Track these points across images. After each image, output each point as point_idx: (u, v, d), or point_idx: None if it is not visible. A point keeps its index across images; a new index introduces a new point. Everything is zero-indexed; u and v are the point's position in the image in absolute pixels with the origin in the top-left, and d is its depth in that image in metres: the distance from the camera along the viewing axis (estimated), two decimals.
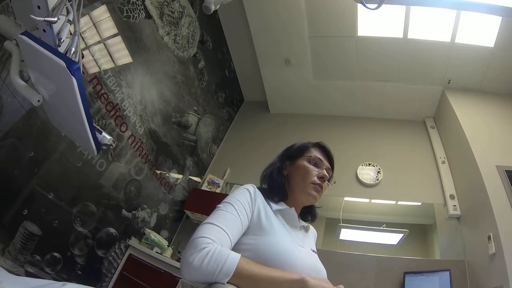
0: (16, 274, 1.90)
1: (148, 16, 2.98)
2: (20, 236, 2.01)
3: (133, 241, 2.93)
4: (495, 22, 3.16)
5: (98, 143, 1.36)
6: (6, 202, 1.94)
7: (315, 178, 1.16)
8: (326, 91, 4.32)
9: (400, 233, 3.22)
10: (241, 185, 1.11)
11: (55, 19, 1.04)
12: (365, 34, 3.64)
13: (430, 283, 2.62)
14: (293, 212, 1.13)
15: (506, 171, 2.75)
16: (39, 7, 1.03)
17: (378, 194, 3.56)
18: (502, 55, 3.36)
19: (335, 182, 1.27)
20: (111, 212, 2.72)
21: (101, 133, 1.43)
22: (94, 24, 2.43)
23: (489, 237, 2.46)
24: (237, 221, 0.95)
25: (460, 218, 3.07)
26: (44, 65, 1.08)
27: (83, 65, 2.29)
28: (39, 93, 1.22)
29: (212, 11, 1.78)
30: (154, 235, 3.04)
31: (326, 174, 1.18)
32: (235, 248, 0.92)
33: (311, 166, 1.18)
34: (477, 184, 2.81)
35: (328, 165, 1.24)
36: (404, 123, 4.15)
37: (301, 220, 1.20)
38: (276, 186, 1.19)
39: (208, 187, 3.87)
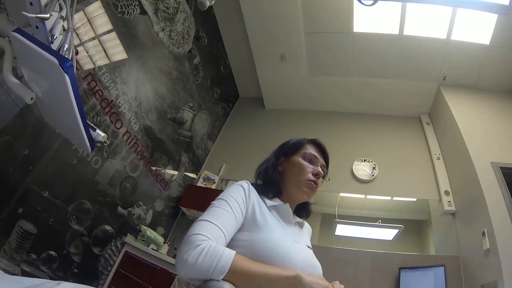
0: (12, 273, 1.90)
1: (143, 11, 2.95)
2: (16, 235, 1.99)
3: (129, 238, 2.93)
4: (491, 20, 3.16)
5: (92, 140, 1.35)
6: (1, 201, 1.92)
7: (310, 175, 1.16)
8: (321, 87, 4.32)
9: (395, 228, 3.24)
10: (237, 181, 1.11)
11: (48, 15, 1.04)
12: (361, 30, 3.64)
13: (425, 278, 2.64)
14: (287, 208, 1.13)
15: (501, 167, 2.77)
16: (31, 3, 1.02)
17: (373, 190, 3.57)
18: (498, 52, 3.37)
19: (329, 179, 1.27)
20: (107, 209, 2.71)
21: (95, 130, 1.42)
22: (88, 20, 2.41)
23: (483, 233, 2.48)
24: (231, 218, 0.95)
25: (454, 214, 3.10)
26: (37, 63, 1.08)
27: (77, 61, 2.27)
28: (32, 90, 1.21)
29: (207, 7, 1.77)
30: (150, 232, 3.04)
31: (321, 171, 1.18)
32: (230, 245, 0.92)
33: (305, 163, 1.19)
34: (471, 180, 2.83)
35: (323, 162, 1.24)
36: (400, 119, 4.17)
37: (295, 216, 1.20)
38: (270, 182, 1.19)
39: (204, 183, 3.87)
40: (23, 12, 1.00)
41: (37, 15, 1.01)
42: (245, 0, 3.66)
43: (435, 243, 3.09)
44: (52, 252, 2.24)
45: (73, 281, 2.14)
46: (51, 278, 2.18)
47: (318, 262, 1.07)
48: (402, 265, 2.81)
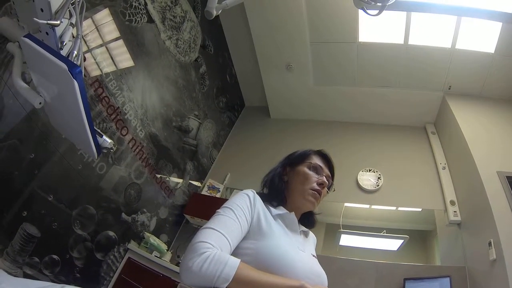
0: (14, 276, 1.89)
1: (150, 20, 2.99)
2: (19, 237, 2.00)
3: (132, 245, 2.92)
4: (495, 28, 3.17)
5: (98, 146, 1.36)
6: (6, 204, 1.94)
7: (314, 184, 1.16)
8: (327, 97, 4.33)
9: (400, 239, 3.21)
10: (241, 190, 1.11)
11: (58, 22, 1.05)
12: (366, 40, 3.66)
13: None
14: (292, 217, 1.13)
15: (507, 176, 2.74)
16: (42, 10, 1.04)
17: (378, 200, 3.55)
18: (503, 61, 3.36)
19: (334, 190, 1.27)
20: (111, 215, 2.71)
21: (101, 136, 1.43)
22: (96, 27, 2.45)
23: (489, 243, 2.45)
24: (236, 226, 0.95)
25: (460, 224, 3.06)
26: (46, 68, 1.09)
27: (85, 68, 2.29)
28: (40, 95, 1.23)
29: (214, 16, 1.79)
30: (153, 239, 3.03)
31: (326, 181, 1.19)
32: (234, 253, 0.92)
33: (311, 172, 1.19)
34: (477, 190, 2.80)
35: (328, 173, 1.24)
36: (405, 128, 4.15)
37: (300, 225, 1.20)
38: (276, 191, 1.20)
39: (208, 191, 3.87)
40: (34, 18, 1.02)
41: (48, 22, 1.03)
42: (251, 9, 3.70)
43: (440, 254, 3.05)
44: (55, 256, 2.24)
45: (75, 286, 2.13)
46: (53, 282, 2.17)
47: (323, 271, 1.07)
48: (407, 276, 2.78)
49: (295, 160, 1.26)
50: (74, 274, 2.40)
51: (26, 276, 2.03)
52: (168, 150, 3.40)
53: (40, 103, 1.22)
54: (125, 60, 2.77)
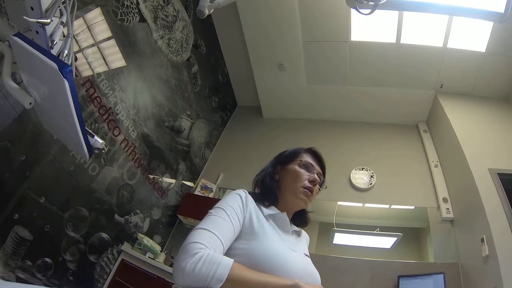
0: (7, 280, 1.87)
1: (142, 19, 2.97)
2: (11, 241, 1.97)
3: (126, 246, 2.90)
4: (486, 27, 3.21)
5: (90, 147, 1.35)
6: None
7: (306, 182, 1.16)
8: (319, 96, 4.34)
9: (393, 236, 3.23)
10: (234, 190, 1.11)
11: (48, 21, 1.04)
12: (358, 39, 3.67)
13: (424, 286, 2.63)
14: (284, 217, 1.13)
15: (498, 173, 2.78)
16: (32, 8, 1.03)
17: (371, 198, 3.56)
18: (494, 59, 3.41)
19: (326, 187, 1.27)
20: (104, 217, 2.69)
21: (93, 137, 1.42)
22: (88, 27, 2.42)
23: (482, 240, 2.48)
24: (229, 226, 0.95)
25: (453, 221, 3.09)
26: (36, 67, 1.08)
27: (76, 68, 2.28)
28: (31, 95, 1.21)
29: (206, 15, 1.78)
30: (147, 240, 3.01)
31: (317, 178, 1.18)
32: (227, 253, 0.92)
33: (301, 170, 1.19)
34: (469, 187, 2.84)
35: (319, 170, 1.24)
36: (397, 127, 4.18)
37: (293, 225, 1.20)
38: (267, 191, 1.19)
39: (201, 192, 3.85)
40: (24, 17, 1.00)
41: (38, 20, 1.01)
42: (243, 9, 3.69)
43: (434, 251, 3.08)
44: (47, 259, 2.21)
45: None
46: (46, 286, 2.15)
47: (316, 270, 1.07)
48: (401, 273, 2.80)
49: (286, 158, 1.26)
50: (67, 277, 2.37)
51: (18, 280, 2.00)
52: (160, 150, 3.39)
53: (30, 104, 1.21)
54: (117, 60, 2.74)
